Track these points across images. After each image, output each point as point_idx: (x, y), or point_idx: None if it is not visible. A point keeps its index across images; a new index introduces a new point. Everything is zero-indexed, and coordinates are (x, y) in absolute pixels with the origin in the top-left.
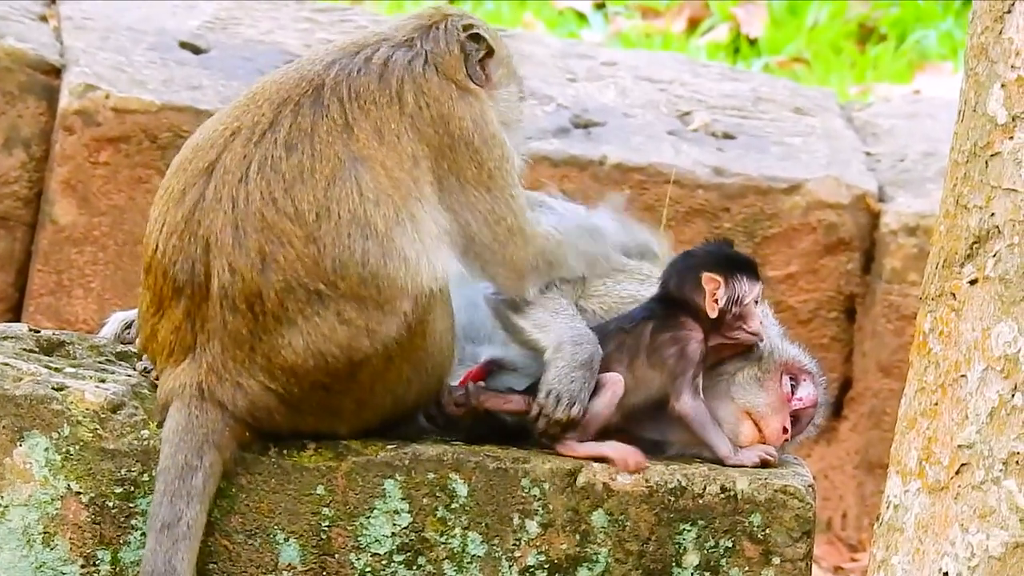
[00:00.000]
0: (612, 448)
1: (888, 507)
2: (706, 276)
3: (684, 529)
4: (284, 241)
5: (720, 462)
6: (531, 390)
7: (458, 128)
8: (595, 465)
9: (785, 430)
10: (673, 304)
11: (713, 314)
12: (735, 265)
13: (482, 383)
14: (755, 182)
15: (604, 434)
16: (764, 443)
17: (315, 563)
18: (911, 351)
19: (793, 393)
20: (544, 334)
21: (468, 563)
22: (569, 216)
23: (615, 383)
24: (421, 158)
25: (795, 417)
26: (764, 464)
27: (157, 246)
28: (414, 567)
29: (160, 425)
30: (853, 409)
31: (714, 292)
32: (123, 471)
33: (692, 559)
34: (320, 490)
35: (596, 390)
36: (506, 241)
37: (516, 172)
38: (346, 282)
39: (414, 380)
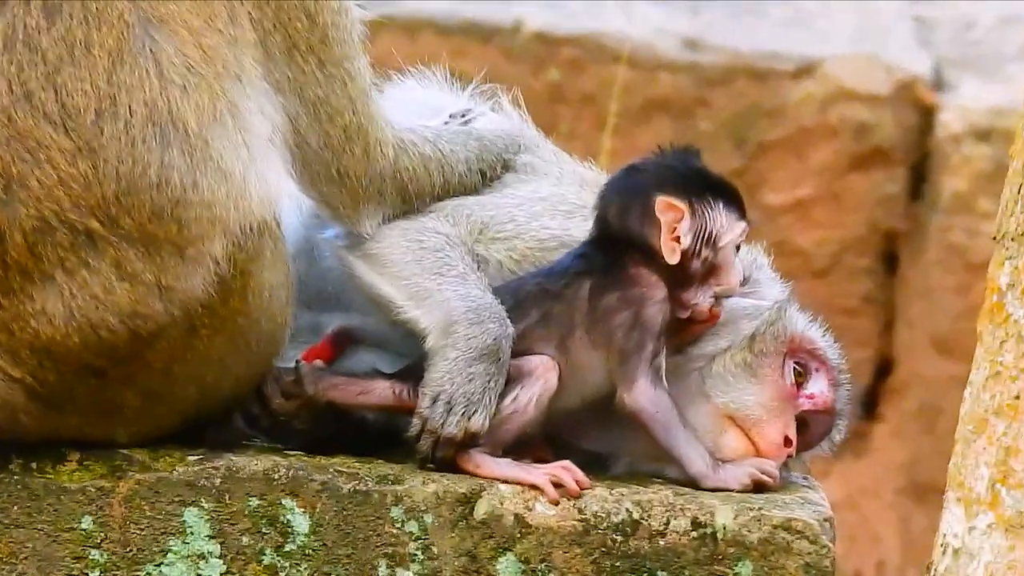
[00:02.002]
0: (539, 471)
1: (945, 552)
2: (661, 201)
3: None
4: (41, 156)
5: (693, 484)
6: (405, 373)
7: None
8: (502, 486)
9: (788, 441)
10: (617, 248)
11: (673, 258)
12: (705, 186)
13: (320, 363)
14: (747, 61)
15: (522, 446)
16: (758, 457)
17: None
18: (980, 317)
19: (800, 387)
20: (423, 309)
21: None
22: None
23: (542, 373)
24: (239, 12)
25: (802, 422)
26: (758, 487)
27: None
28: None
29: None
30: (893, 405)
31: (673, 225)
32: None
33: None
34: (87, 523)
35: (509, 384)
36: (340, 147)
37: (357, 38)
38: (133, 215)
39: (230, 360)
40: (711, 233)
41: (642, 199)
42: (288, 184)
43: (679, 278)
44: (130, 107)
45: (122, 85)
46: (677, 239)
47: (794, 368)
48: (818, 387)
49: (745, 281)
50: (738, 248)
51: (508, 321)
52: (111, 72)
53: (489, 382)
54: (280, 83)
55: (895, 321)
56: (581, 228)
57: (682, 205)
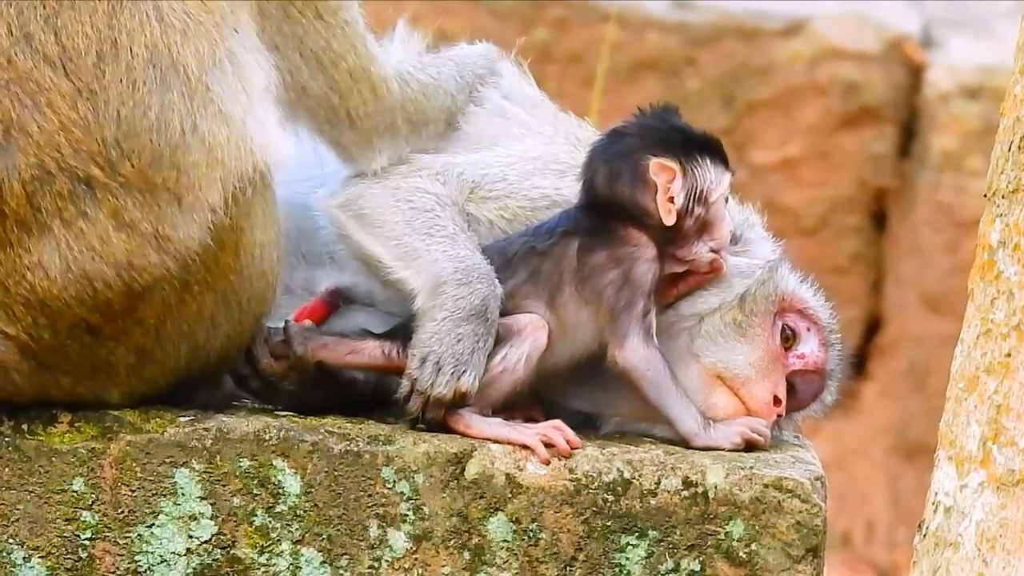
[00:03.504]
0: (529, 431)
1: (936, 511)
2: (655, 164)
3: (628, 544)
4: (41, 100)
5: (684, 443)
6: (395, 333)
7: None
8: (493, 446)
9: (777, 400)
10: (606, 210)
11: (670, 219)
12: (692, 143)
13: (309, 323)
14: (735, 19)
15: (512, 406)
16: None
17: None
18: (971, 275)
19: (790, 347)
20: (412, 269)
21: None
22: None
23: (531, 331)
24: None
25: (792, 382)
26: (749, 447)
27: None
28: None
29: None
30: (884, 364)
31: (667, 186)
32: None
33: None
34: (78, 485)
35: (498, 343)
36: (348, 90)
37: None
38: (132, 160)
39: (221, 319)
40: (702, 190)
41: (631, 163)
42: (283, 138)
43: (672, 237)
44: (131, 49)
45: (123, 28)
46: (671, 199)
47: (784, 329)
48: (808, 347)
49: (737, 240)
50: (727, 200)
51: (496, 281)
52: (111, 15)
53: (478, 342)
54: (275, 41)
55: (884, 279)
56: (573, 188)
57: (674, 165)
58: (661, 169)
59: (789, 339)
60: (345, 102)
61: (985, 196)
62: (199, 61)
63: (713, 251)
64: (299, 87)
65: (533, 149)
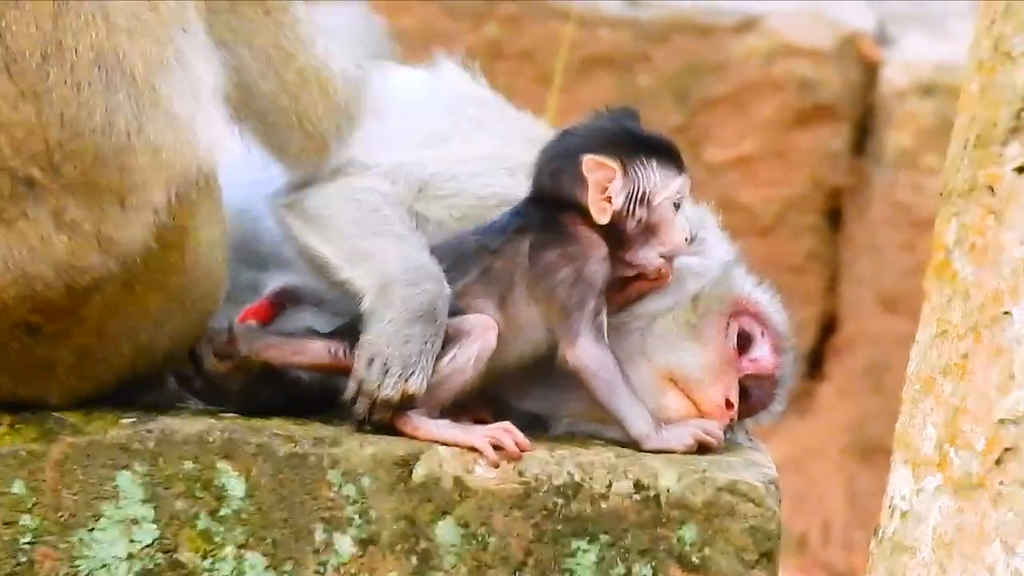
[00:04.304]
0: (478, 433)
1: (893, 514)
2: (588, 161)
3: (578, 548)
4: None
5: (635, 445)
6: (342, 333)
7: None
8: (441, 449)
9: (729, 404)
10: (555, 208)
11: (603, 218)
12: (637, 144)
13: (255, 323)
14: (689, 15)
15: (461, 407)
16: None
17: None
18: (926, 275)
19: (744, 351)
20: (360, 270)
21: None
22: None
23: (481, 332)
24: None
25: (744, 387)
26: (702, 449)
27: None
28: None
29: None
30: (839, 363)
31: (604, 185)
32: None
33: None
34: (18, 488)
35: (447, 344)
36: (298, 91)
37: None
38: (76, 163)
39: (165, 318)
40: (644, 191)
41: (572, 160)
42: (229, 138)
43: (618, 238)
44: (76, 50)
45: (68, 29)
46: (609, 199)
47: (738, 331)
48: (762, 352)
49: (691, 240)
50: (677, 206)
51: (445, 281)
52: (56, 16)
53: (426, 343)
54: (224, 38)
55: (840, 278)
56: (524, 187)
57: (612, 164)
58: (596, 166)
59: (743, 343)
60: (295, 103)
61: (941, 195)
62: (146, 62)
63: (664, 257)
64: (248, 86)
65: (484, 147)
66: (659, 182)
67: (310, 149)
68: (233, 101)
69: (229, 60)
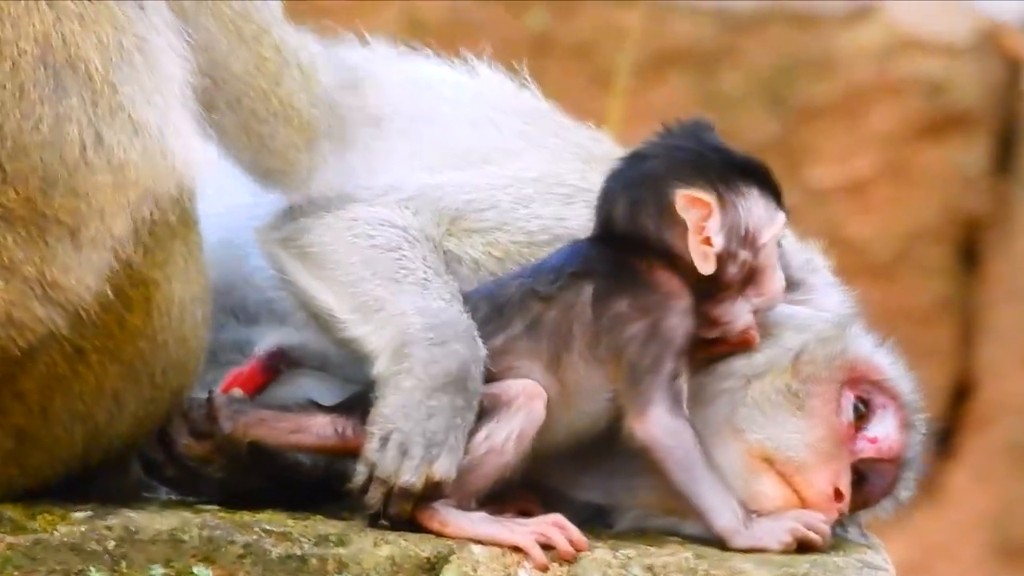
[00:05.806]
0: (522, 529)
1: None
2: (683, 195)
3: None
4: None
5: (719, 542)
6: (351, 406)
7: None
8: (476, 548)
9: (839, 494)
10: (626, 246)
11: (707, 267)
12: (733, 169)
13: (240, 393)
14: (786, 2)
15: (501, 496)
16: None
17: None
18: None
19: (860, 428)
20: (373, 324)
21: None
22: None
23: (524, 401)
24: None
25: (859, 472)
26: (802, 547)
27: None
28: None
29: None
30: (976, 438)
31: (701, 224)
32: None
33: None
34: None
35: (483, 418)
36: (278, 70)
37: None
38: (18, 188)
39: (127, 396)
40: (748, 229)
41: (656, 193)
42: (205, 150)
43: (710, 288)
44: (17, 45)
45: (4, 19)
46: (708, 240)
47: (854, 402)
48: (883, 429)
49: (794, 286)
50: (779, 244)
51: (478, 340)
52: None
53: (455, 417)
54: (185, 7)
55: (977, 331)
56: (582, 217)
57: (709, 198)
58: (692, 203)
59: (859, 417)
60: (277, 86)
61: None
62: (103, 54)
63: (755, 312)
64: (219, 66)
65: (532, 168)
66: (764, 216)
67: (299, 144)
68: (204, 90)
69: (195, 37)
